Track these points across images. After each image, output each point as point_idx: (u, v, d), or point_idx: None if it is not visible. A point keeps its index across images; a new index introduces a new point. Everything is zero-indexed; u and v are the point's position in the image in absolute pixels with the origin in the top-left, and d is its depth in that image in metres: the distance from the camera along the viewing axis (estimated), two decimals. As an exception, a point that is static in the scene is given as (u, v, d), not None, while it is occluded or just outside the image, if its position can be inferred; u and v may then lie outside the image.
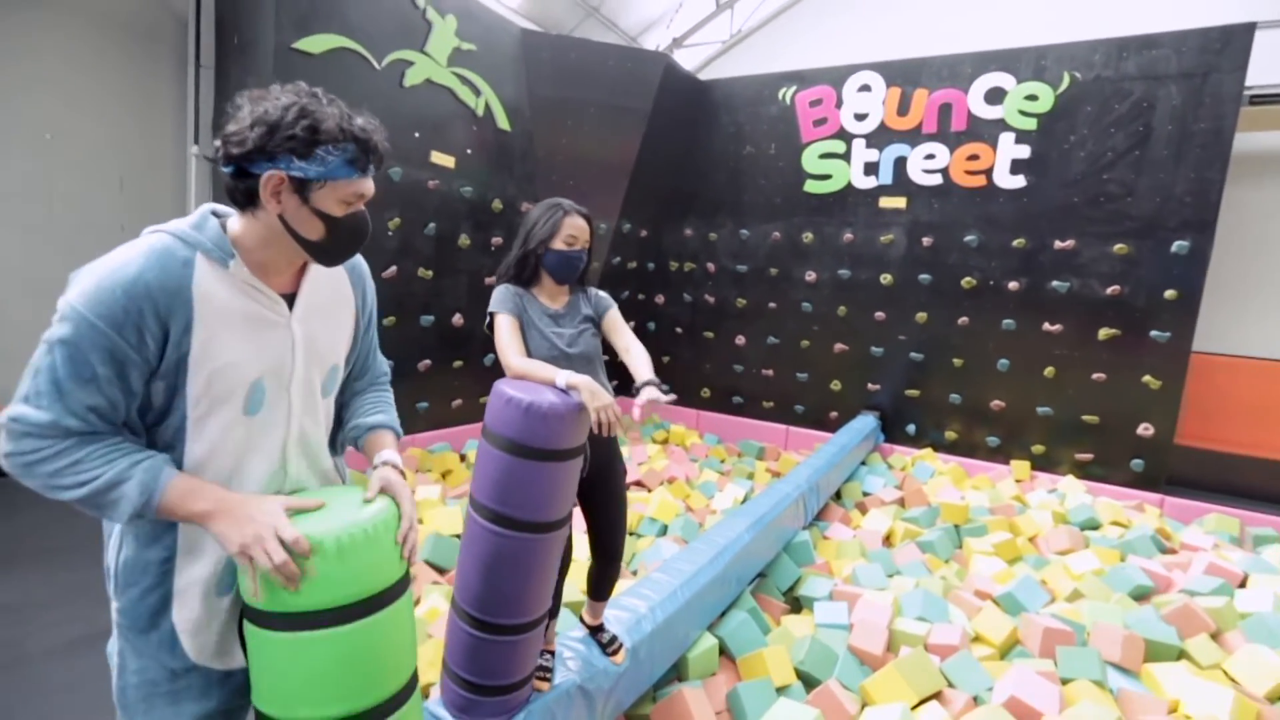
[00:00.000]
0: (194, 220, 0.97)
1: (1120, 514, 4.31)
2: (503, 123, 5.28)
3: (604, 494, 1.85)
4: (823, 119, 5.86)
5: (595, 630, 2.04)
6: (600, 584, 1.98)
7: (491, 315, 1.75)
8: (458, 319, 5.08)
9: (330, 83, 4.30)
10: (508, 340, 1.69)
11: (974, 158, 5.28)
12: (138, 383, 0.90)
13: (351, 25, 4.11)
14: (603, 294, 1.95)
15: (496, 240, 5.34)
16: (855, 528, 4.23)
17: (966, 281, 5.40)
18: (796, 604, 3.24)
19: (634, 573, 3.38)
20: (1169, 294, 4.73)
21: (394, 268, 4.47)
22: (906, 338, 5.68)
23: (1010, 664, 2.58)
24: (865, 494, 4.83)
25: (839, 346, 5.98)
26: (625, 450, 5.25)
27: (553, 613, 1.82)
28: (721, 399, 6.60)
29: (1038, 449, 5.24)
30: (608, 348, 1.91)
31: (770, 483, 4.30)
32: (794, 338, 6.19)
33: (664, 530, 3.92)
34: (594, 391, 1.51)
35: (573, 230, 1.77)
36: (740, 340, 6.46)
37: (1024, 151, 5.11)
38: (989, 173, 5.24)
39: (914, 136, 5.49)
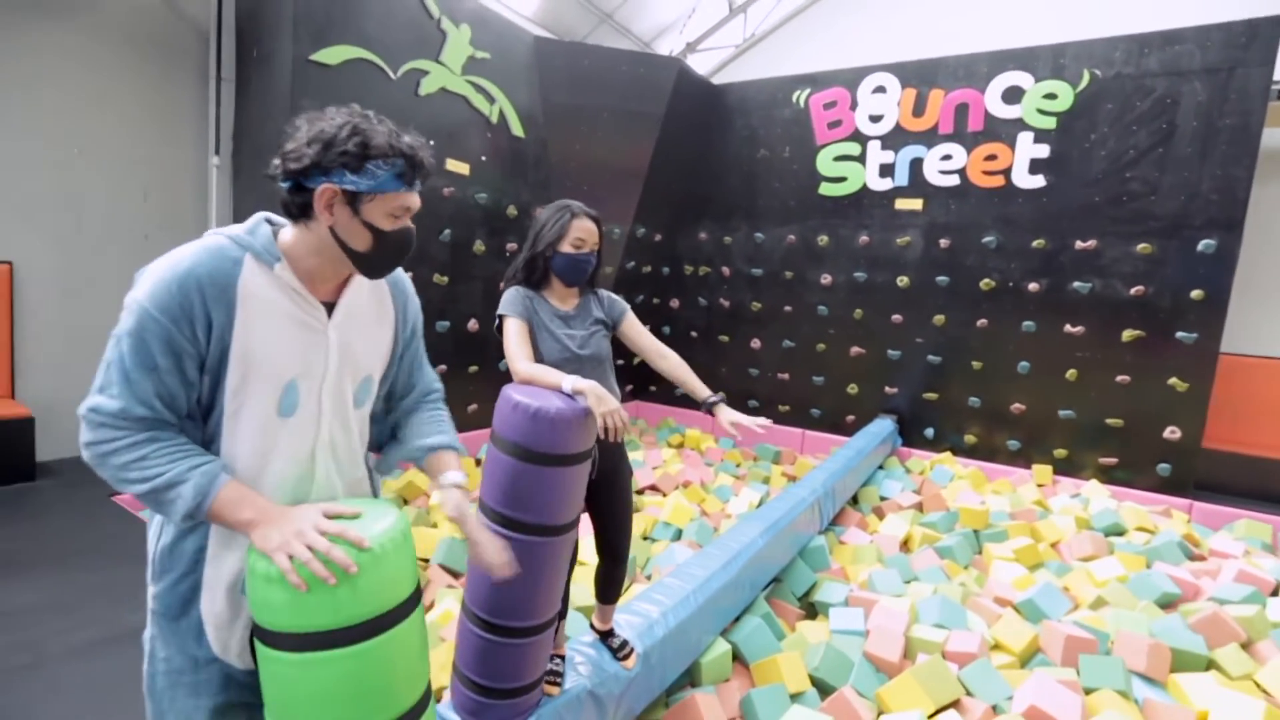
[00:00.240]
0: (248, 226, 1.04)
1: (1146, 519, 4.21)
2: (517, 129, 5.33)
3: (610, 496, 1.85)
4: (837, 121, 5.82)
5: (605, 635, 2.04)
6: (608, 586, 1.98)
7: (501, 318, 1.76)
8: (473, 324, 5.12)
9: (347, 93, 4.40)
10: (516, 345, 1.69)
11: (992, 158, 5.21)
12: (193, 373, 0.97)
13: (368, 36, 4.18)
14: (615, 297, 1.96)
15: (511, 246, 5.39)
16: (872, 533, 4.18)
17: (985, 283, 5.32)
18: (812, 609, 3.21)
19: (648, 577, 3.37)
20: (1195, 294, 4.62)
21: (409, 274, 4.52)
22: (924, 340, 5.61)
23: (1030, 672, 2.52)
24: (882, 498, 4.77)
25: (855, 350, 5.92)
26: (640, 454, 5.24)
27: (561, 614, 1.82)
28: (737, 403, 6.57)
29: (1060, 453, 5.14)
30: (618, 350, 1.92)
31: (786, 487, 4.27)
32: (810, 341, 6.15)
33: (678, 534, 3.91)
34: (600, 397, 1.51)
35: (581, 233, 1.77)
36: (756, 344, 6.43)
37: (1043, 151, 5.03)
38: (1007, 173, 5.17)
39: (930, 137, 5.43)
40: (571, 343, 1.77)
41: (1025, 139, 5.08)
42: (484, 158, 5.08)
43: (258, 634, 0.98)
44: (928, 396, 5.64)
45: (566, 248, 1.76)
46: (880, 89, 5.60)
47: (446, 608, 2.61)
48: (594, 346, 1.81)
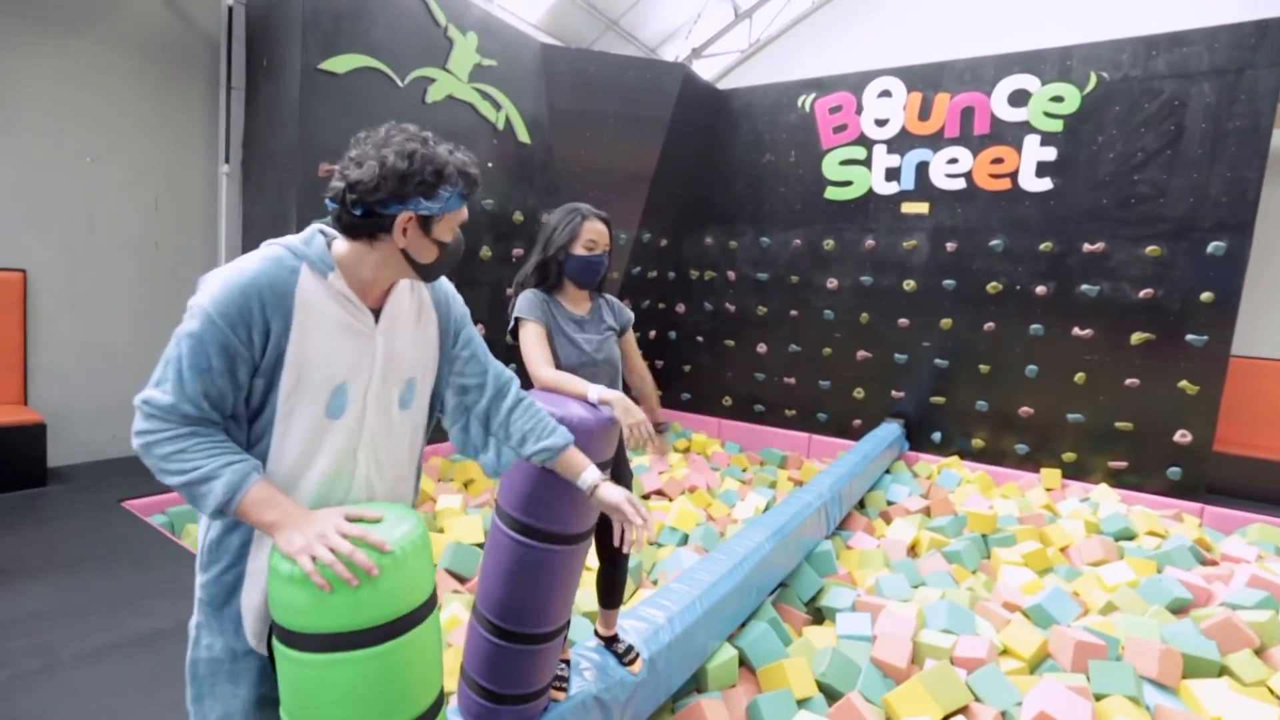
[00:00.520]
0: (304, 236, 1.10)
1: (1156, 524, 4.17)
2: (523, 136, 5.36)
3: None
4: (843, 125, 5.82)
5: (610, 641, 2.04)
6: (609, 590, 1.98)
7: (518, 320, 1.74)
8: (480, 329, 5.14)
9: (355, 101, 4.44)
10: (537, 350, 1.68)
11: (998, 161, 5.20)
12: (244, 376, 1.02)
13: (375, 45, 4.22)
14: (623, 305, 1.97)
15: (517, 251, 5.41)
16: (879, 537, 4.17)
17: (992, 286, 5.30)
18: (818, 615, 3.20)
19: (654, 582, 3.37)
20: (1205, 296, 4.59)
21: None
22: (931, 344, 5.59)
23: (1040, 678, 2.50)
24: (889, 503, 4.75)
25: (862, 353, 5.91)
26: (646, 460, 5.24)
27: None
28: (743, 407, 6.56)
29: (1069, 456, 5.11)
30: None
31: (792, 491, 4.26)
32: (816, 345, 6.14)
33: (684, 539, 3.91)
34: (628, 407, 1.51)
35: (592, 235, 1.77)
36: (762, 348, 6.43)
37: (1050, 154, 5.02)
38: (1014, 176, 5.16)
39: (936, 141, 5.43)
40: (589, 347, 1.77)
41: (1032, 142, 5.07)
42: (490, 164, 5.11)
43: (278, 634, 1.00)
44: (935, 400, 5.62)
45: (579, 250, 1.77)
46: (886, 93, 5.60)
47: (453, 612, 2.62)
48: (607, 351, 1.82)
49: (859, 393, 5.95)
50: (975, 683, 2.43)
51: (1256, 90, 4.38)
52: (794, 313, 6.23)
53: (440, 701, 1.12)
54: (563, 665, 1.85)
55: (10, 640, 2.16)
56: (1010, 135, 5.15)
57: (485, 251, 5.11)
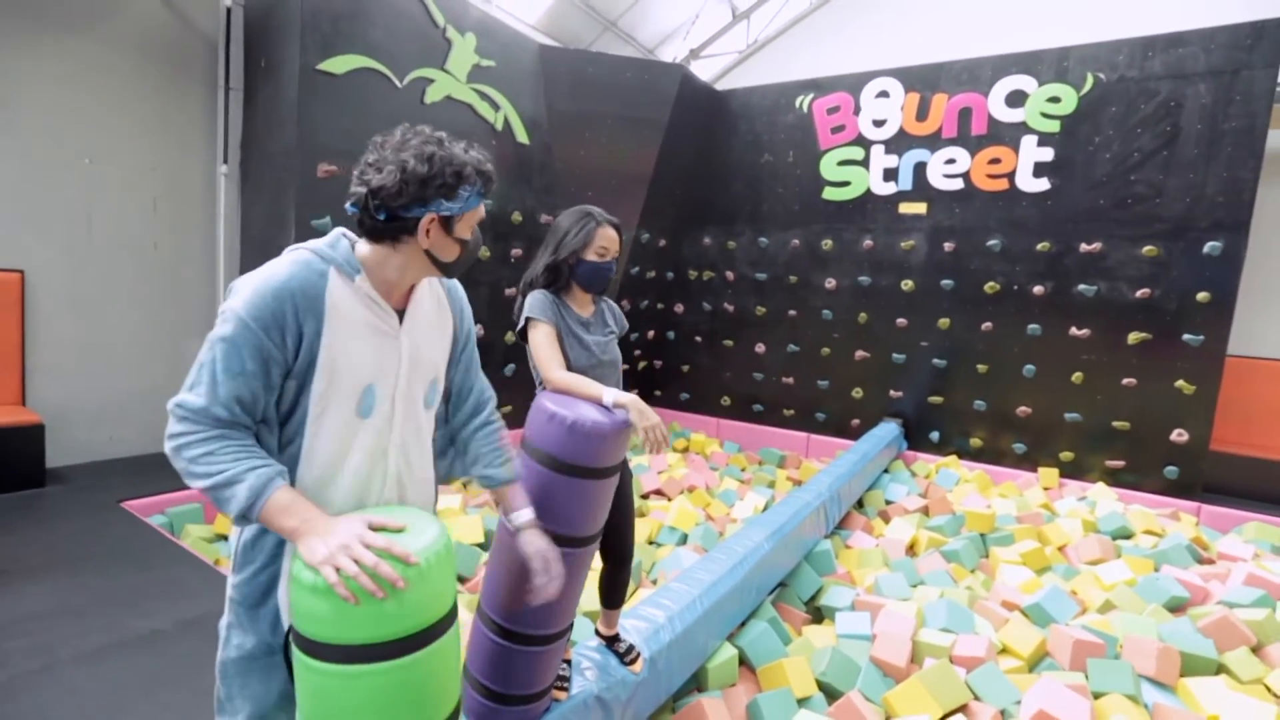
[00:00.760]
0: (329, 240, 1.12)
1: (1153, 522, 4.19)
2: (521, 136, 5.36)
3: (614, 499, 1.85)
4: (840, 126, 5.84)
5: (611, 640, 2.04)
6: (612, 591, 1.98)
7: (528, 321, 1.74)
8: (479, 330, 5.15)
9: (353, 101, 4.42)
10: (549, 352, 1.68)
11: (996, 161, 5.22)
12: (277, 379, 1.03)
13: (373, 45, 4.22)
14: (619, 309, 1.98)
15: (516, 252, 5.42)
16: (878, 536, 4.18)
17: (990, 286, 5.32)
18: (818, 614, 3.21)
19: (654, 581, 3.37)
20: (1201, 296, 4.61)
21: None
22: (929, 344, 5.61)
23: (1038, 677, 2.52)
24: (888, 502, 4.76)
25: (860, 353, 5.92)
26: (645, 459, 5.24)
27: (569, 620, 1.83)
28: (742, 407, 6.57)
29: (1066, 456, 5.12)
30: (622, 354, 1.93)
31: (791, 491, 4.27)
32: (814, 345, 6.15)
33: (684, 539, 3.91)
34: (642, 411, 1.51)
35: (605, 241, 1.77)
36: (760, 348, 6.44)
37: (1047, 154, 5.03)
38: (1011, 176, 5.17)
39: (934, 141, 5.44)
40: (596, 349, 1.78)
41: (1029, 142, 5.08)
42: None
43: (299, 643, 0.98)
44: (933, 400, 5.63)
45: (591, 256, 1.76)
46: (883, 93, 5.62)
47: (453, 612, 2.61)
48: (612, 353, 1.83)
49: (857, 392, 5.96)
50: (974, 681, 2.44)
51: (1252, 91, 4.40)
52: (792, 313, 6.24)
53: (458, 711, 1.12)
54: (564, 665, 1.85)
55: (9, 641, 2.15)
56: (1008, 136, 5.16)
57: (484, 252, 5.11)
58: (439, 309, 1.25)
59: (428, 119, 4.70)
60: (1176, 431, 4.74)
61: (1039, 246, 5.11)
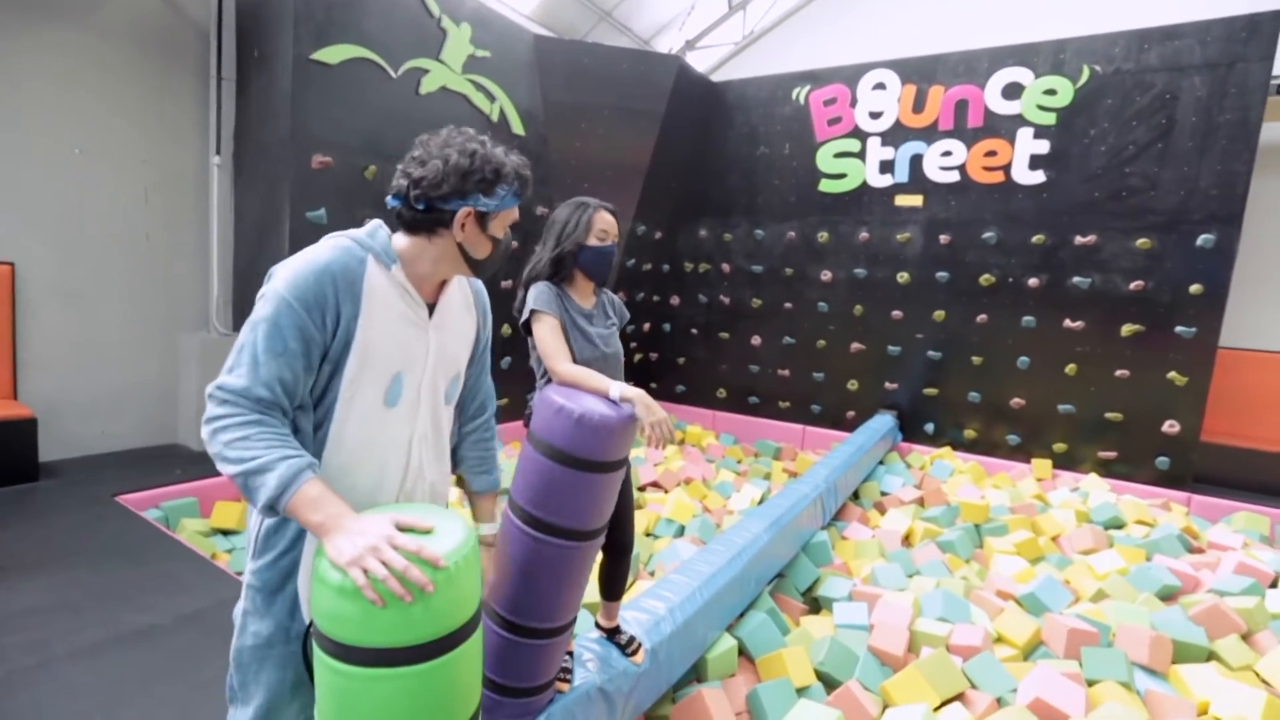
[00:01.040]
0: (368, 230, 1.15)
1: (1145, 512, 4.24)
2: (517, 128, 5.33)
3: None
4: (837, 118, 5.83)
5: (612, 632, 2.05)
6: (612, 582, 1.99)
7: (533, 314, 1.72)
8: (474, 322, 5.12)
9: (348, 92, 4.38)
10: (555, 345, 1.66)
11: (992, 154, 5.22)
12: (316, 360, 1.05)
13: (368, 35, 4.17)
14: (620, 302, 1.97)
15: (512, 244, 5.39)
16: (874, 527, 4.21)
17: (985, 279, 5.34)
18: (815, 604, 3.23)
19: (651, 573, 3.38)
20: (1194, 288, 4.64)
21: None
22: (924, 336, 5.63)
23: (1033, 665, 2.54)
24: (883, 493, 4.79)
25: (856, 346, 5.94)
26: (641, 451, 5.25)
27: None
28: (738, 399, 6.59)
29: (1059, 447, 5.17)
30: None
31: (787, 482, 4.29)
32: (810, 337, 6.16)
33: (681, 531, 3.92)
34: (649, 405, 1.50)
35: (604, 224, 1.77)
36: (756, 340, 6.45)
37: (1043, 146, 5.04)
38: (1007, 168, 5.18)
39: (930, 133, 5.44)
40: (600, 342, 1.77)
41: (1025, 135, 5.09)
42: (484, 156, 5.07)
43: (321, 643, 0.96)
44: (928, 392, 5.66)
45: (592, 240, 1.76)
46: (880, 85, 5.61)
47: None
48: (614, 345, 1.83)
49: (853, 384, 5.98)
50: (971, 670, 2.46)
51: (1247, 84, 4.42)
52: (788, 305, 6.24)
53: (478, 713, 1.11)
54: (566, 656, 1.85)
55: (5, 637, 2.14)
56: (1004, 128, 5.17)
57: (479, 244, 5.08)
58: (466, 308, 1.28)
59: (422, 110, 4.68)
60: (1168, 423, 4.78)
61: (1034, 239, 5.13)
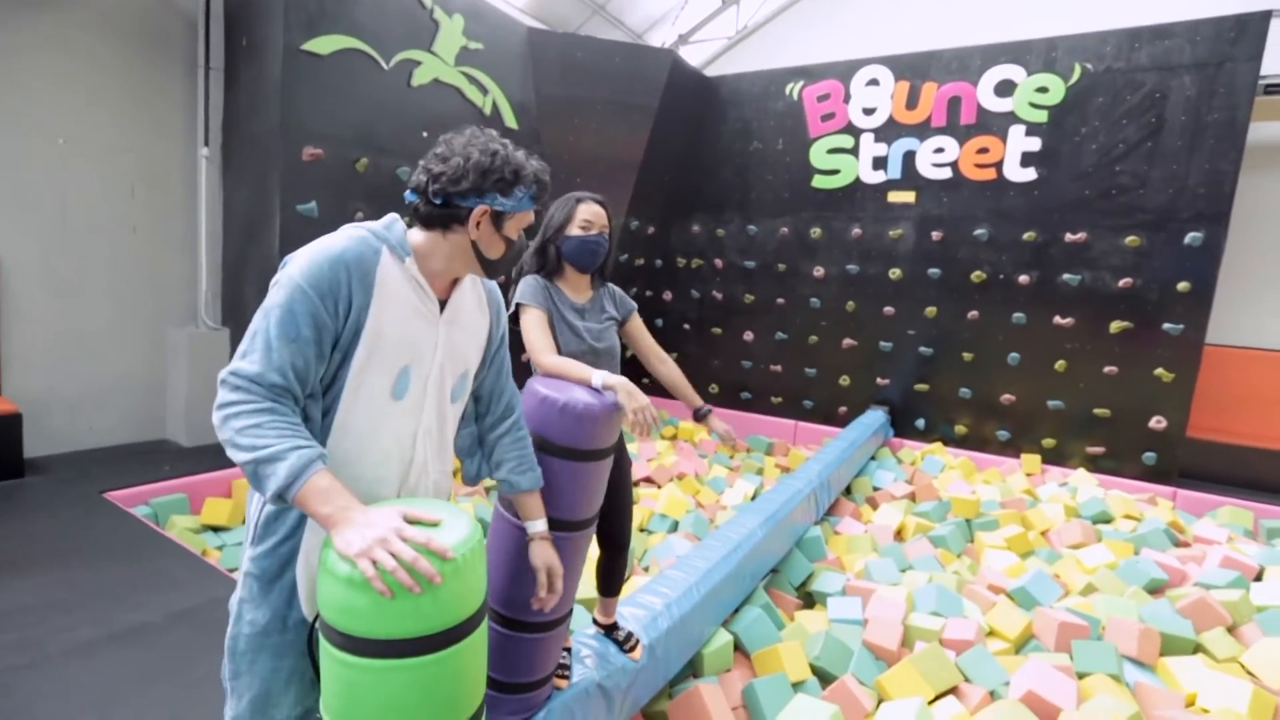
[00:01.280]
0: (385, 222, 1.16)
1: (1132, 507, 4.30)
2: (510, 121, 5.29)
3: (611, 486, 1.86)
4: (830, 114, 5.83)
5: (610, 629, 2.05)
6: (610, 578, 1.99)
7: (519, 306, 1.73)
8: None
9: (339, 83, 4.32)
10: (539, 336, 1.68)
11: (984, 151, 5.25)
12: (327, 348, 1.05)
13: (360, 26, 4.12)
14: (625, 295, 1.96)
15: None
16: (866, 522, 4.23)
17: (976, 275, 5.37)
18: (809, 599, 3.25)
19: (645, 569, 3.39)
20: (1182, 286, 4.70)
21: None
22: (916, 332, 5.66)
23: (1025, 658, 2.57)
24: (875, 488, 4.82)
25: (848, 341, 5.96)
26: (633, 447, 5.25)
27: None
28: (730, 395, 6.60)
29: (1048, 442, 5.22)
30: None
31: (779, 478, 4.30)
32: (802, 333, 6.18)
33: (674, 526, 3.93)
34: (631, 392, 1.51)
35: (588, 215, 1.77)
36: (748, 336, 6.46)
37: (1034, 144, 5.08)
38: (999, 166, 5.21)
39: (923, 130, 5.46)
40: (589, 336, 1.77)
41: (1017, 132, 5.12)
42: (477, 149, 5.03)
43: (329, 636, 0.96)
44: (919, 388, 5.70)
45: (574, 230, 1.76)
46: (873, 82, 5.62)
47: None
48: (608, 340, 1.82)
49: (844, 380, 6.01)
50: (964, 664, 2.49)
51: (1235, 83, 4.46)
52: (780, 301, 6.26)
53: (484, 706, 1.12)
54: (565, 653, 1.85)
55: (-5, 635, 2.11)
56: (996, 125, 5.20)
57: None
58: (479, 307, 1.29)
59: (414, 102, 4.62)
60: (1155, 418, 4.85)
61: (1025, 236, 5.17)
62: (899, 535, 4.01)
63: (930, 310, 5.58)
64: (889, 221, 5.68)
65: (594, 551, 2.00)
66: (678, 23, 8.29)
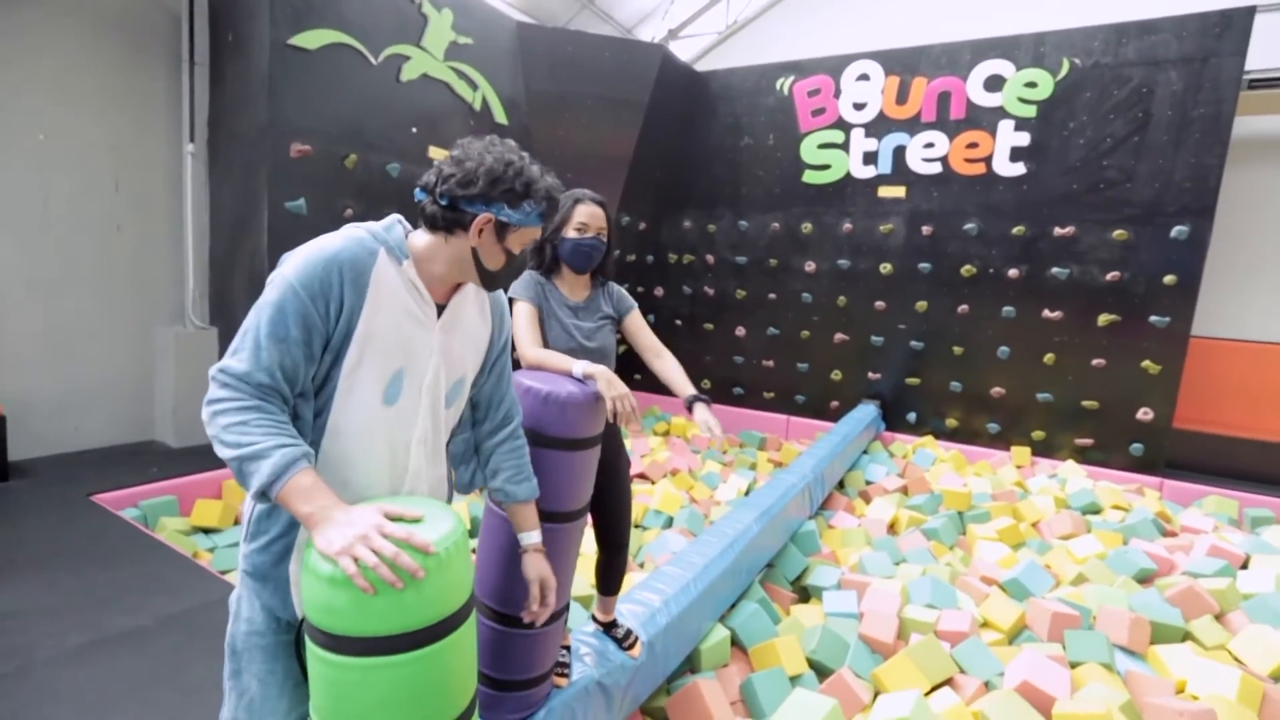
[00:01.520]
0: (385, 224, 1.15)
1: (1120, 498, 4.35)
2: (500, 116, 5.25)
3: (610, 486, 1.86)
4: (821, 109, 5.84)
5: (609, 626, 2.05)
6: (608, 576, 1.99)
7: (511, 300, 1.72)
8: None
9: (327, 78, 4.27)
10: (525, 329, 1.69)
11: (973, 145, 5.28)
12: (318, 348, 1.05)
13: (347, 20, 4.07)
14: (624, 293, 1.96)
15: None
16: (859, 516, 4.26)
17: (966, 270, 5.40)
18: (804, 593, 3.26)
19: (640, 565, 3.39)
20: (1168, 279, 4.75)
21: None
22: (906, 326, 5.69)
23: (1019, 649, 2.60)
24: (868, 482, 4.85)
25: (839, 336, 5.99)
26: (627, 442, 5.24)
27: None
28: (722, 390, 6.61)
29: (1038, 435, 5.27)
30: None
31: (773, 472, 4.32)
32: (794, 328, 6.20)
33: (669, 522, 3.94)
34: (610, 380, 1.52)
35: (584, 217, 1.76)
36: (740, 331, 6.47)
37: (1023, 139, 5.11)
38: (988, 160, 5.24)
39: (913, 125, 5.48)
40: (579, 334, 1.77)
41: (1006, 127, 5.15)
42: (467, 145, 4.99)
43: (313, 636, 0.96)
44: (910, 381, 5.74)
45: (570, 233, 1.76)
46: (864, 77, 5.62)
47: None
48: (600, 340, 1.81)
49: (836, 375, 6.04)
50: (959, 655, 2.51)
51: (1220, 78, 4.51)
52: (772, 296, 6.27)
53: (475, 702, 1.11)
54: (564, 652, 1.85)
55: (-18, 642, 2.08)
56: (985, 120, 5.22)
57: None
58: (481, 314, 1.28)
59: (403, 98, 4.58)
60: (1142, 410, 4.91)
61: (1014, 230, 5.21)
62: (892, 528, 4.04)
63: (921, 305, 5.61)
64: (879, 216, 5.70)
65: (594, 551, 2.00)
66: (668, 17, 8.25)
